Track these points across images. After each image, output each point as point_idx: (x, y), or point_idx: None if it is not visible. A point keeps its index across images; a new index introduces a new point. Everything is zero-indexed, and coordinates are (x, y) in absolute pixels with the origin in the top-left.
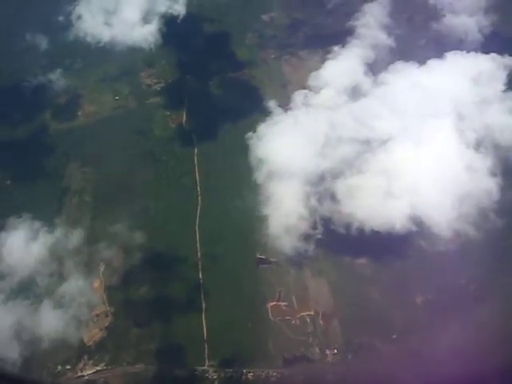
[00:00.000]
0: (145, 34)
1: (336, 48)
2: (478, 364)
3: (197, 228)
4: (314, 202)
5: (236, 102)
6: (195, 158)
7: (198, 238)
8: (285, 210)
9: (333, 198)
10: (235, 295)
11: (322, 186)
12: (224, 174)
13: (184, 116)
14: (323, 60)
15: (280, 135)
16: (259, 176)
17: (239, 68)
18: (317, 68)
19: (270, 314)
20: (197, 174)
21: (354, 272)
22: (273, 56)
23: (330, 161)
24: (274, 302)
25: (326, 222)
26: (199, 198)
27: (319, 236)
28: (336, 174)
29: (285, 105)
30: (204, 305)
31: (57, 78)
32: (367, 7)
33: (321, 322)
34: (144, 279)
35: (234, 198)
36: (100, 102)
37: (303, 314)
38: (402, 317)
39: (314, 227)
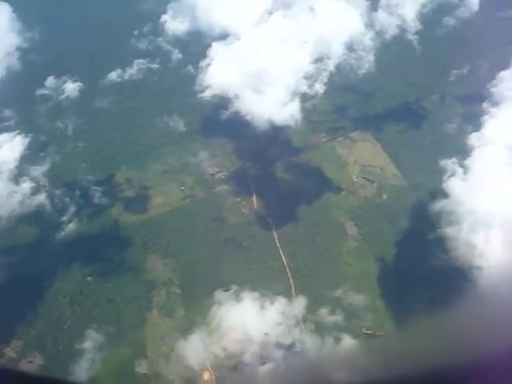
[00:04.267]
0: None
1: (493, 109)
2: None
3: None
4: None
5: (303, 184)
6: (277, 241)
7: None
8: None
9: None
10: None
11: None
12: (309, 253)
13: (254, 201)
14: (375, 139)
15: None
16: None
17: (295, 153)
18: (371, 147)
19: None
20: (282, 256)
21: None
22: (324, 140)
23: None
24: None
25: None
26: (291, 279)
27: None
28: None
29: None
30: None
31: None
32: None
33: None
34: None
35: (325, 276)
36: (167, 193)
37: None
38: None
39: None
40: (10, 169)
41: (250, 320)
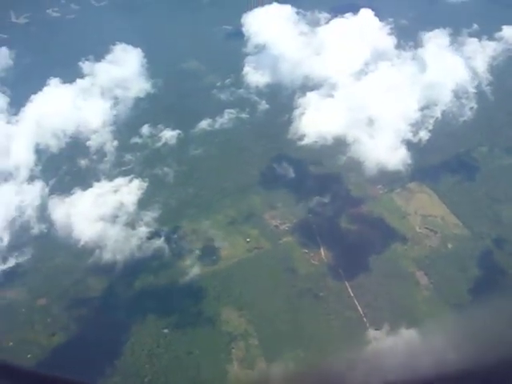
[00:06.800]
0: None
1: None
2: None
3: None
4: None
5: (368, 235)
6: (350, 291)
7: None
8: None
9: None
10: None
11: None
12: (384, 303)
13: (322, 252)
14: (432, 190)
15: None
16: None
17: (356, 204)
18: (429, 198)
19: None
20: (358, 306)
21: None
22: (381, 192)
23: None
24: None
25: None
26: (369, 330)
27: None
28: None
29: None
30: None
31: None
32: None
33: None
34: None
35: (403, 325)
36: (233, 244)
37: None
38: None
39: None
40: (129, 212)
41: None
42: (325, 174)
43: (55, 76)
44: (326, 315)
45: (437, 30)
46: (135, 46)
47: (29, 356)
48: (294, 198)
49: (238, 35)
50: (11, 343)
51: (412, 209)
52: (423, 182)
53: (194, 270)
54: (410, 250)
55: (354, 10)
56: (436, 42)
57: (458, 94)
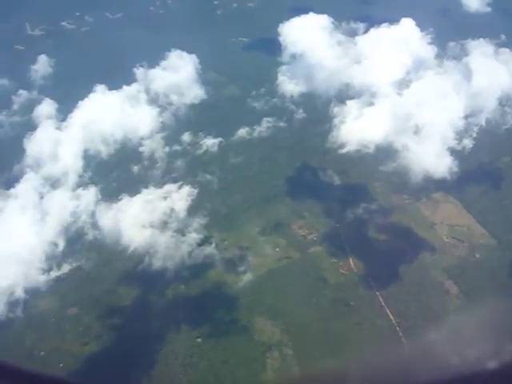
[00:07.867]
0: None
1: None
2: None
3: None
4: None
5: (397, 244)
6: (381, 301)
7: None
8: None
9: None
10: None
11: None
12: (417, 312)
13: (351, 262)
14: (457, 199)
15: None
16: None
17: (383, 214)
18: (454, 208)
19: None
20: (390, 315)
21: None
22: (407, 201)
23: None
24: None
25: None
26: (403, 339)
27: None
28: None
29: None
30: None
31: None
32: None
33: None
34: None
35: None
36: (262, 254)
37: None
38: None
39: None
40: (179, 219)
41: None
42: (352, 184)
43: (100, 83)
44: (358, 324)
45: (481, 40)
46: (190, 52)
47: (61, 365)
48: (321, 207)
49: (268, 45)
50: (42, 352)
51: (438, 218)
52: (448, 191)
53: (224, 279)
54: (439, 260)
55: (391, 20)
56: (481, 50)
57: (502, 102)
